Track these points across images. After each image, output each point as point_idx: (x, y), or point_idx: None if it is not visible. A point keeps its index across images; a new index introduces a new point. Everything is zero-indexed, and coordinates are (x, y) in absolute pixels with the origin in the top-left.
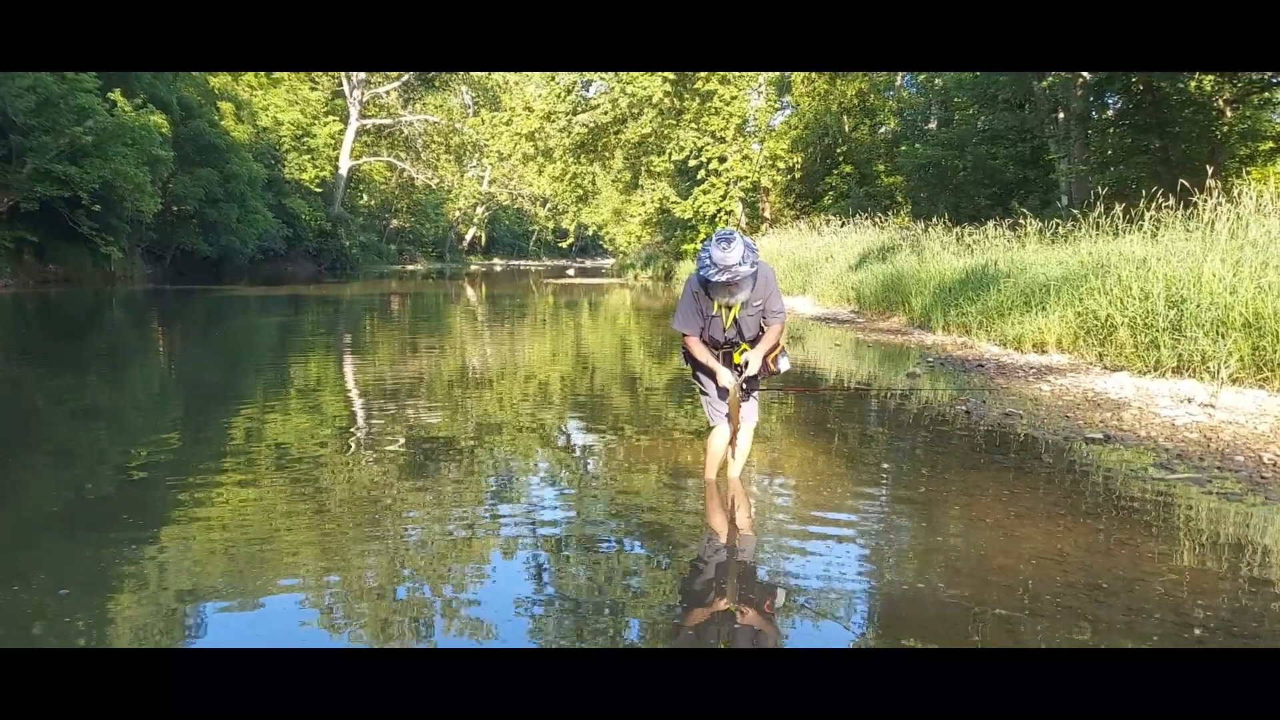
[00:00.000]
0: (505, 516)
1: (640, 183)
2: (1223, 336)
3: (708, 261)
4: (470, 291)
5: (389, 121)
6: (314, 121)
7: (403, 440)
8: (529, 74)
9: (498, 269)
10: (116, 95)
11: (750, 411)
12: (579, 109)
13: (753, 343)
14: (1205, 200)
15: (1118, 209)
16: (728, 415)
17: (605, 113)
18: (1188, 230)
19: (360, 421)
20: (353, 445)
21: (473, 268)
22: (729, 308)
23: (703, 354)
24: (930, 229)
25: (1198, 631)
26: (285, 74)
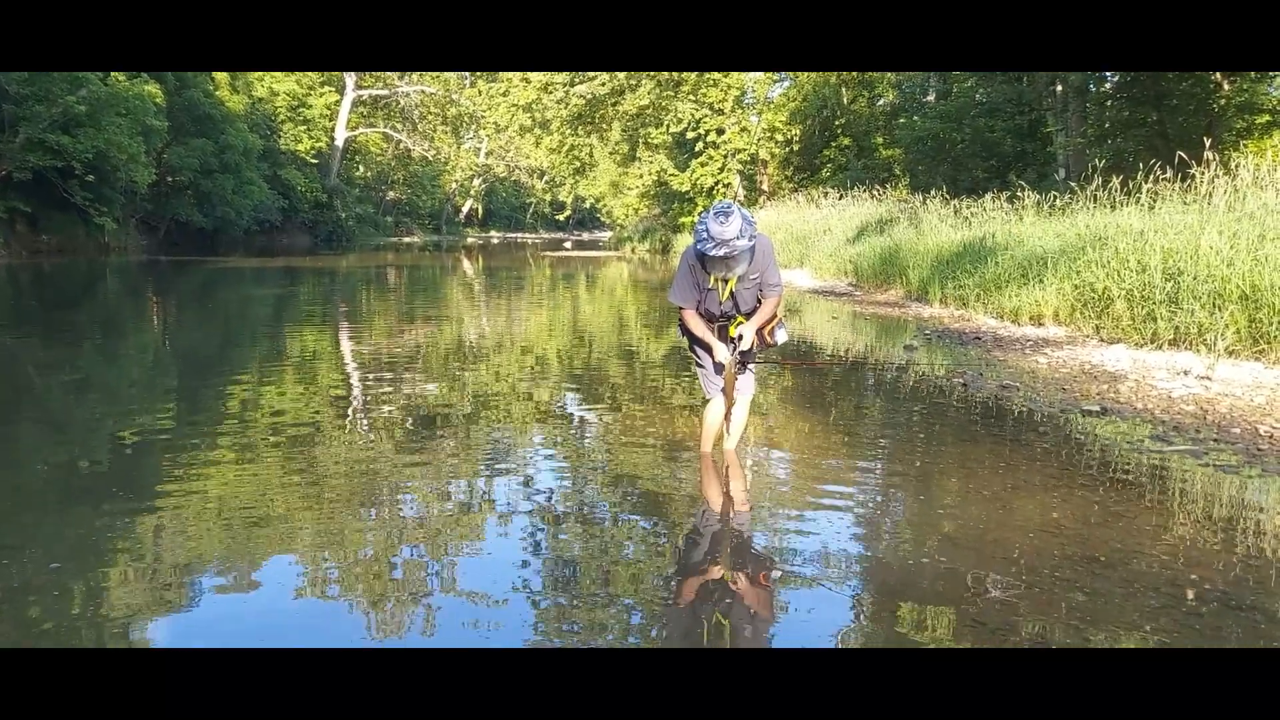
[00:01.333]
0: (501, 488)
1: (638, 155)
2: (1219, 309)
3: (705, 235)
4: (467, 264)
5: (385, 92)
6: (309, 92)
7: (400, 413)
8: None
9: (494, 241)
10: None
11: (746, 384)
12: (577, 80)
13: (749, 315)
14: (1202, 173)
15: (1115, 181)
16: (723, 389)
17: (603, 84)
18: (1185, 203)
19: (357, 394)
20: (349, 418)
21: (469, 240)
22: (726, 281)
23: (699, 327)
24: (928, 201)
25: (1194, 603)
26: None
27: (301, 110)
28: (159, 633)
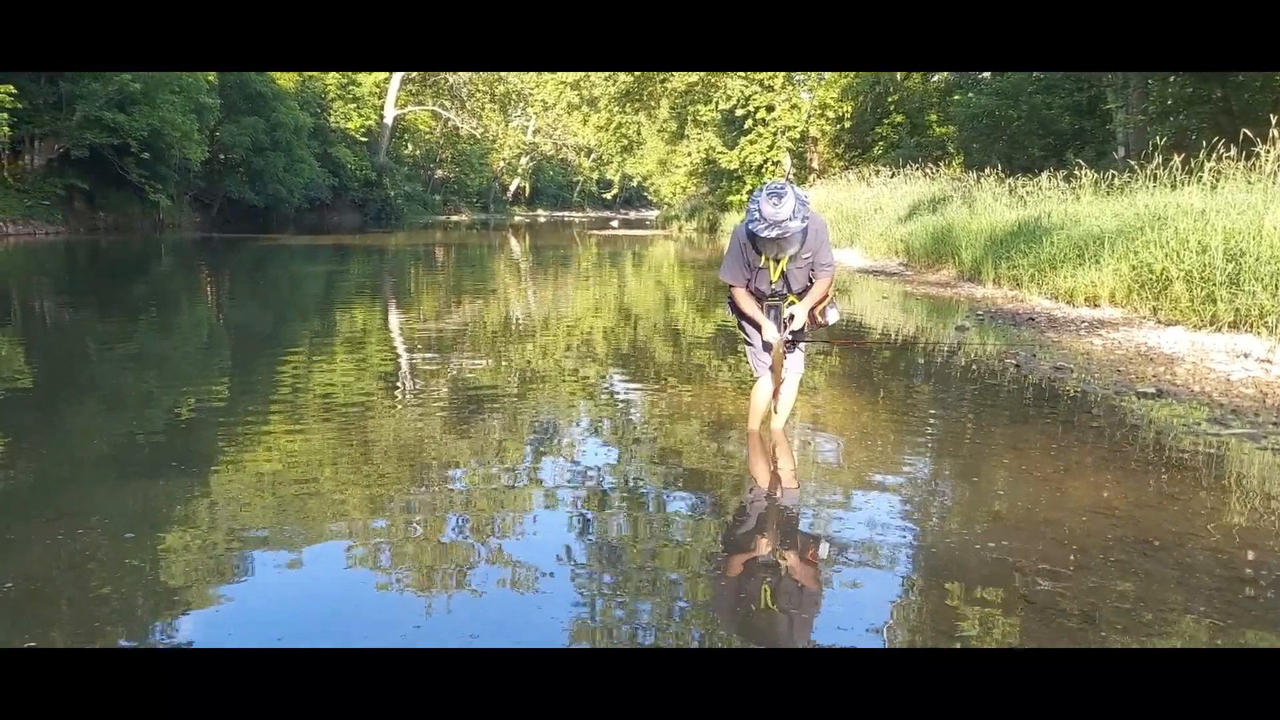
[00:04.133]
0: (548, 465)
1: (686, 132)
2: None
3: (757, 215)
4: (514, 243)
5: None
6: None
7: (448, 389)
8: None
9: (541, 220)
10: None
11: (796, 363)
12: None
13: (800, 294)
14: (1268, 151)
15: (1176, 160)
16: (771, 368)
17: (644, 71)
18: (1249, 182)
19: (406, 370)
20: (398, 394)
21: (516, 219)
22: (777, 260)
23: (749, 306)
24: (982, 180)
25: (1249, 588)
26: None
27: (351, 88)
28: (207, 606)
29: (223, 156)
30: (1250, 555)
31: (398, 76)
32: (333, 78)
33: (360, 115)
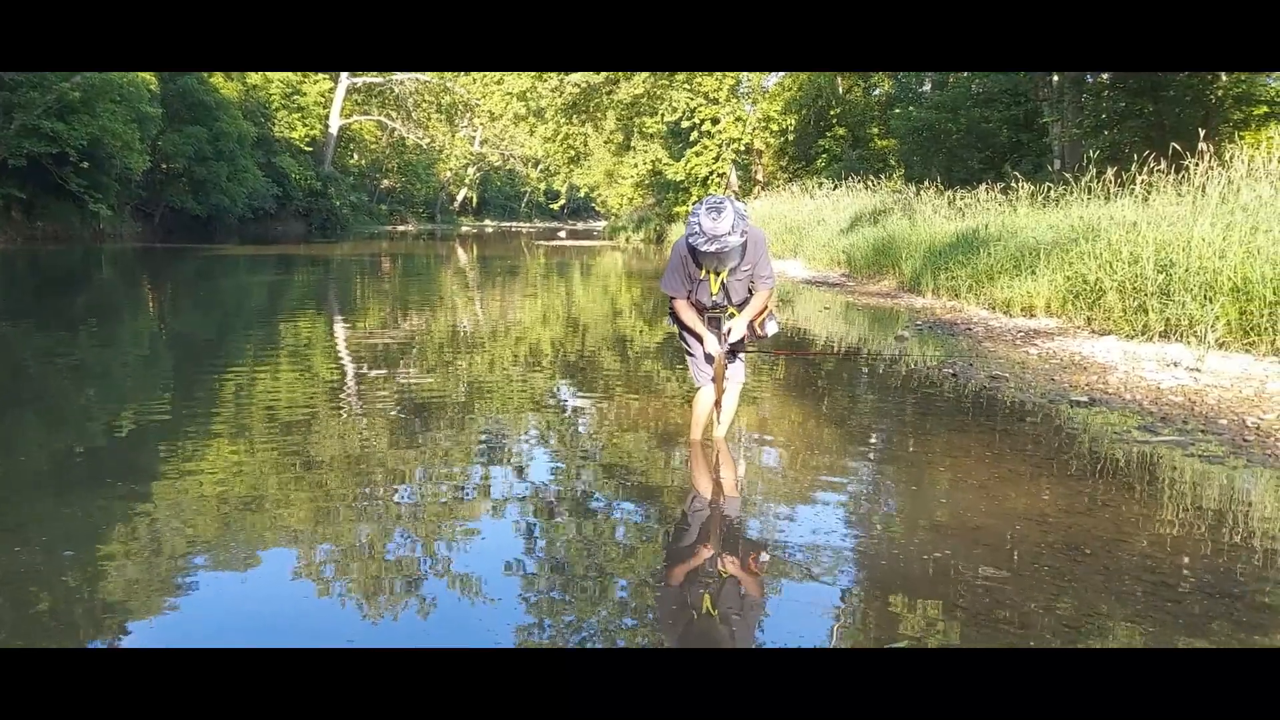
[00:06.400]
0: (493, 477)
1: (632, 144)
2: (1211, 301)
3: (697, 229)
4: (461, 253)
5: (379, 80)
6: (304, 79)
7: (393, 401)
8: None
9: (489, 230)
10: None
11: (737, 372)
12: None
13: (740, 306)
14: (1197, 164)
15: (1109, 173)
16: (713, 378)
17: (597, 72)
18: (1179, 194)
19: (350, 382)
20: (343, 405)
21: (464, 229)
22: (717, 273)
23: (689, 317)
24: (922, 192)
25: (1177, 592)
26: None
27: (296, 97)
28: (151, 620)
29: (165, 166)
30: (1176, 560)
31: (343, 86)
32: (276, 87)
33: (305, 125)
